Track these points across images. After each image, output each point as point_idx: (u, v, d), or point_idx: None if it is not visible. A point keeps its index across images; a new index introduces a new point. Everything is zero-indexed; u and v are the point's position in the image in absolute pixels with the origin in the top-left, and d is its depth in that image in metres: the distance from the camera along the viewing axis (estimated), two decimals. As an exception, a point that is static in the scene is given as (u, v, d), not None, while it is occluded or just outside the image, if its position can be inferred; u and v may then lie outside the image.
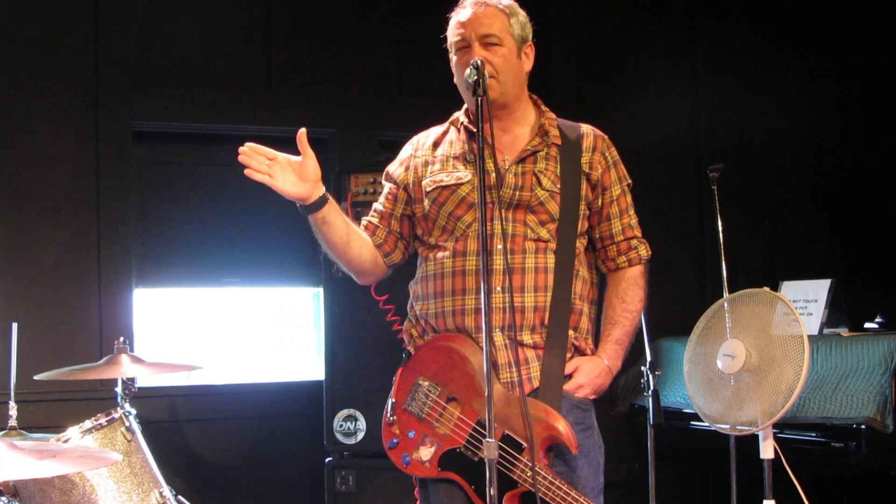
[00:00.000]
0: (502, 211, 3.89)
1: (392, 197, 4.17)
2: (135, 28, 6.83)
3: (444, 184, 4.01)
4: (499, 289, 3.86)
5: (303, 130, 3.84)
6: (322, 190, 3.93)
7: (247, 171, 3.85)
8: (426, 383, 3.92)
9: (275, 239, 7.07)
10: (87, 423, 4.21)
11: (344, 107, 7.23)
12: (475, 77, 3.70)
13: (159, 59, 6.95)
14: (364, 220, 4.22)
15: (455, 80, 4.06)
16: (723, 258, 5.52)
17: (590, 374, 3.95)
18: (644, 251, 4.13)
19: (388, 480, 5.84)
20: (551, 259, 3.93)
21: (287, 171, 3.88)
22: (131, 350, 4.68)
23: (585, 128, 4.12)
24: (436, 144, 4.14)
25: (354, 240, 4.07)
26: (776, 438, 4.91)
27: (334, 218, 3.97)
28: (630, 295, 4.10)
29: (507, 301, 3.84)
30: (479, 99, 3.67)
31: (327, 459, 6.12)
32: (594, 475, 3.94)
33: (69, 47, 6.61)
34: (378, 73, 7.39)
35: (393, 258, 4.19)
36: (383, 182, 4.27)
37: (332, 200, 3.98)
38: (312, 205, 3.92)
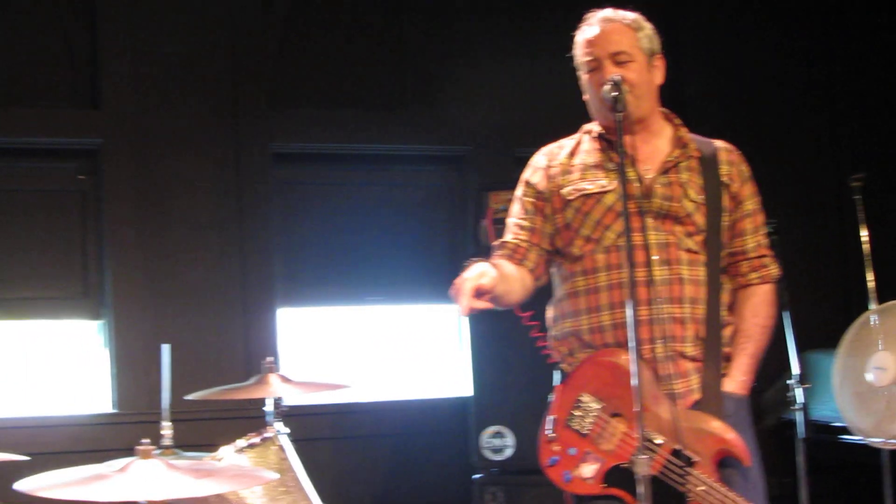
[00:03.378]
0: (652, 221, 3.85)
1: (538, 210, 4.09)
2: (271, 50, 6.93)
3: (587, 192, 3.97)
4: (658, 300, 3.83)
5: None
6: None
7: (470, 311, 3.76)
8: (588, 399, 3.88)
9: (416, 256, 7.12)
10: (241, 442, 4.25)
11: (480, 124, 7.25)
12: (613, 94, 3.71)
13: (296, 81, 7.05)
14: (511, 241, 4.11)
15: (585, 97, 4.05)
16: (868, 268, 5.43)
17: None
18: (775, 270, 4.07)
19: (538, 497, 5.79)
20: (702, 271, 3.90)
21: None
22: (277, 369, 4.72)
23: (719, 142, 4.09)
24: (571, 154, 4.10)
25: (512, 287, 3.98)
26: (931, 451, 4.82)
27: (500, 288, 3.88)
28: (762, 311, 4.03)
29: (666, 312, 3.82)
30: (619, 115, 3.67)
31: (475, 476, 6.13)
32: (763, 493, 3.91)
33: (208, 72, 6.77)
34: (512, 88, 7.40)
35: (542, 280, 4.13)
36: (519, 196, 4.18)
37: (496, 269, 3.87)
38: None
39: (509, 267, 4.01)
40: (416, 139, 7.19)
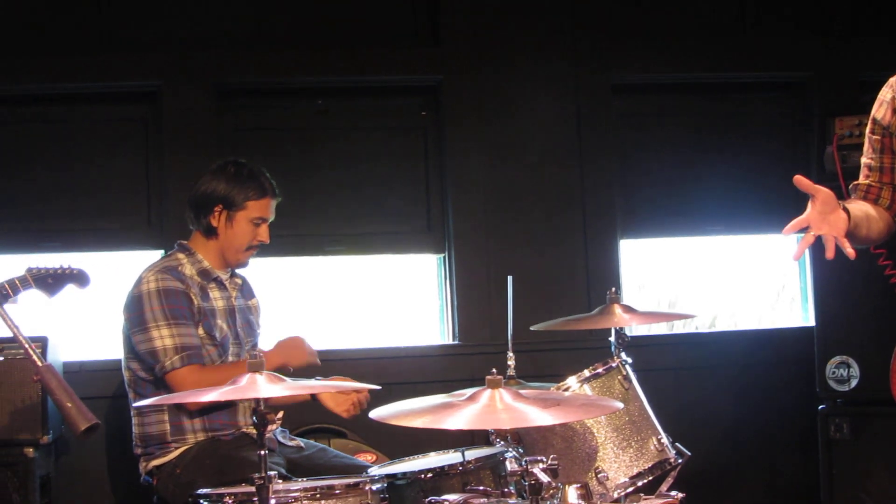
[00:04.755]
0: None
1: (885, 147, 3.99)
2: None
3: None
4: None
5: (797, 177, 3.67)
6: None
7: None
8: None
9: (757, 186, 6.98)
10: (586, 373, 4.29)
11: (822, 49, 7.06)
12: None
13: (634, 10, 7.02)
14: (863, 184, 4.04)
15: None
16: None
17: None
18: None
19: (885, 428, 5.68)
20: None
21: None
22: (621, 299, 4.75)
23: None
24: (919, 82, 3.98)
25: (872, 227, 3.90)
26: None
27: (861, 230, 3.82)
28: None
29: None
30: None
31: (820, 407, 6.05)
32: None
33: (545, 3, 6.80)
34: (854, 12, 7.18)
35: None
36: (868, 134, 4.09)
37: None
38: None
39: (867, 207, 3.94)
40: (756, 66, 7.06)
